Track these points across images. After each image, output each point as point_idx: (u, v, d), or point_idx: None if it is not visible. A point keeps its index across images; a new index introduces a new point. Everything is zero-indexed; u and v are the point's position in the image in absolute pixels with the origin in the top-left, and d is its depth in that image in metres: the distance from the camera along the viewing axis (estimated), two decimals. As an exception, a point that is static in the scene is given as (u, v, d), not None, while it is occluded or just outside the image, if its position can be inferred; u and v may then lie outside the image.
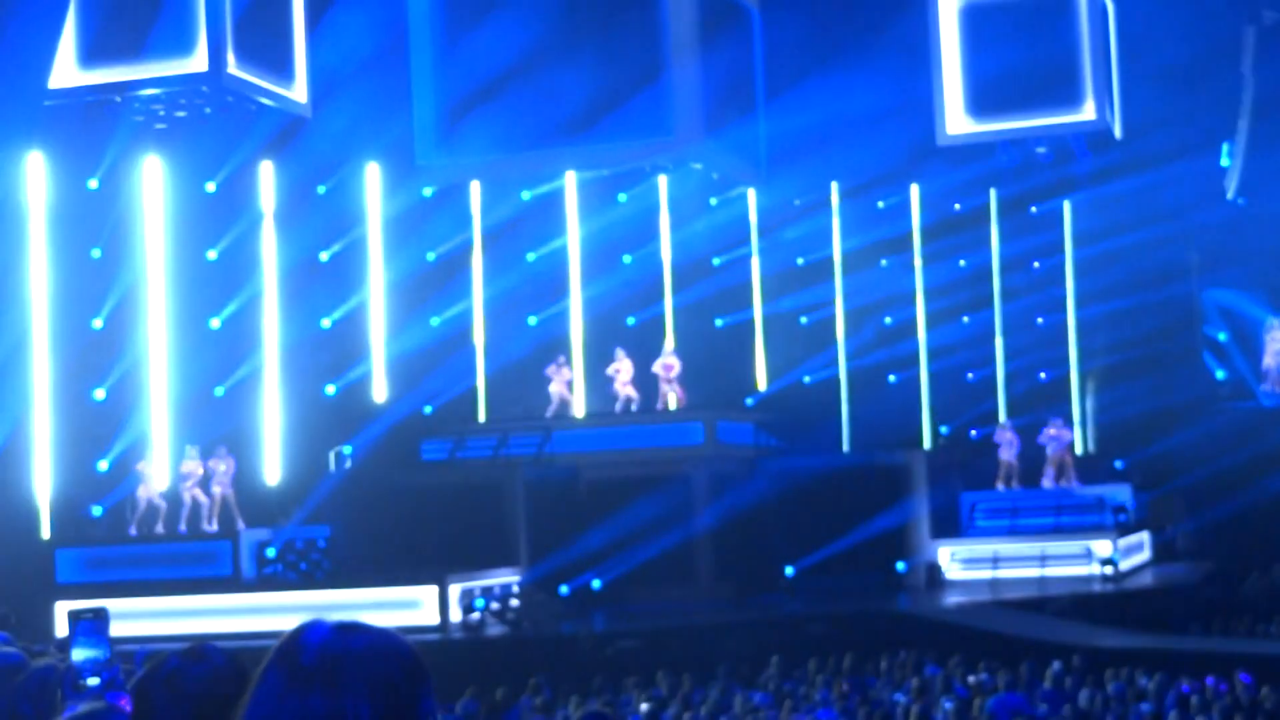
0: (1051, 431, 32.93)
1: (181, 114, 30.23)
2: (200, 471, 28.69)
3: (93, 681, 4.08)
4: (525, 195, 33.42)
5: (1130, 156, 33.98)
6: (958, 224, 35.25)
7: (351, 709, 3.10)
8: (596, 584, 29.80)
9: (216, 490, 28.69)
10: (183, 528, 28.53)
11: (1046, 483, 32.62)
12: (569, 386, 32.79)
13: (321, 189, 32.27)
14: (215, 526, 28.48)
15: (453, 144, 32.98)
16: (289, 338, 31.43)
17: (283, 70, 30.71)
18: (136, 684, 3.90)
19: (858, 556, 30.24)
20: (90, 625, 4.09)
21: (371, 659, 3.15)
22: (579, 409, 32.98)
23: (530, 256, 33.79)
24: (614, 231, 33.81)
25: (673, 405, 32.09)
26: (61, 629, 23.60)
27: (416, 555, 27.77)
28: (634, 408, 32.26)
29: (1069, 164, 35.10)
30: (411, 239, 33.04)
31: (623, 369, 32.40)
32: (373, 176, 32.68)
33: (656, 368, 32.44)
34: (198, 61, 29.21)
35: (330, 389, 31.92)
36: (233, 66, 29.43)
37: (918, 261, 35.39)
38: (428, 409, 33.06)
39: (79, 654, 4.06)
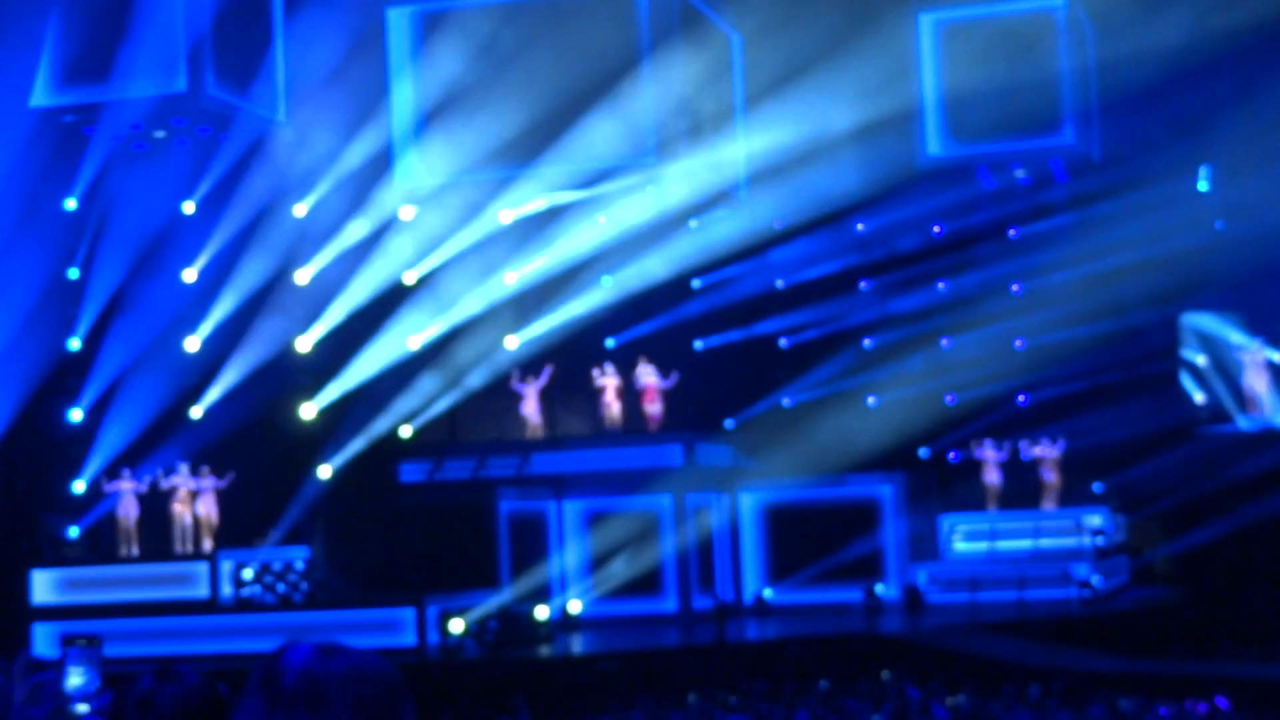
0: (1039, 453, 33.04)
1: (161, 134, 30.17)
2: (190, 489, 28.69)
3: (82, 709, 4.04)
4: (503, 215, 33.33)
5: (1109, 180, 34.02)
6: (937, 247, 35.25)
7: (334, 732, 3.05)
8: (577, 607, 29.75)
9: (202, 509, 28.69)
10: (178, 547, 28.55)
11: (1049, 506, 32.81)
12: (538, 402, 32.72)
13: (298, 208, 32.13)
14: (208, 545, 28.50)
15: (431, 162, 32.90)
16: (266, 358, 31.27)
17: (260, 88, 30.67)
18: (110, 706, 3.85)
19: (836, 579, 30.22)
20: (81, 653, 4.03)
21: (353, 681, 3.14)
22: (546, 428, 32.92)
23: (508, 277, 33.68)
24: (592, 252, 33.72)
25: (658, 423, 32.19)
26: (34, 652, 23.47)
27: (395, 577, 27.67)
28: (617, 423, 32.26)
29: (1048, 187, 35.14)
30: (389, 258, 32.91)
31: (609, 385, 32.42)
32: (348, 193, 32.53)
33: (638, 386, 32.43)
34: (177, 82, 29.19)
35: (308, 410, 31.76)
36: (212, 87, 29.41)
37: (897, 284, 35.37)
38: (406, 430, 32.95)
39: (70, 682, 4.01)
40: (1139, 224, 33.48)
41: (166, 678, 3.81)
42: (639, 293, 33.83)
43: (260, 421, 30.60)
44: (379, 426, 31.52)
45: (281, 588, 27.79)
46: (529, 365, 32.92)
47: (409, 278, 33.05)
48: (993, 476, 33.25)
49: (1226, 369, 34.15)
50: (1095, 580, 30.17)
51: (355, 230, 32.12)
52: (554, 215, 33.26)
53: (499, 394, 33.34)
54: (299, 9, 30.69)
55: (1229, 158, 34.44)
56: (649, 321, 34.12)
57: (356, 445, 31.00)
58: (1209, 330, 34.45)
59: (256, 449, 30.46)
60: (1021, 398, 35.34)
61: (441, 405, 32.98)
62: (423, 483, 31.67)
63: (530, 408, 32.66)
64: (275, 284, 31.27)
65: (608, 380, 32.59)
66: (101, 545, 29.46)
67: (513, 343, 33.66)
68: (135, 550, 28.66)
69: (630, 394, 32.56)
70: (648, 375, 32.44)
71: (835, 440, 32.49)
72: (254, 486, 29.71)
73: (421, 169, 32.91)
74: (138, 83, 28.94)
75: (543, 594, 29.03)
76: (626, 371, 32.67)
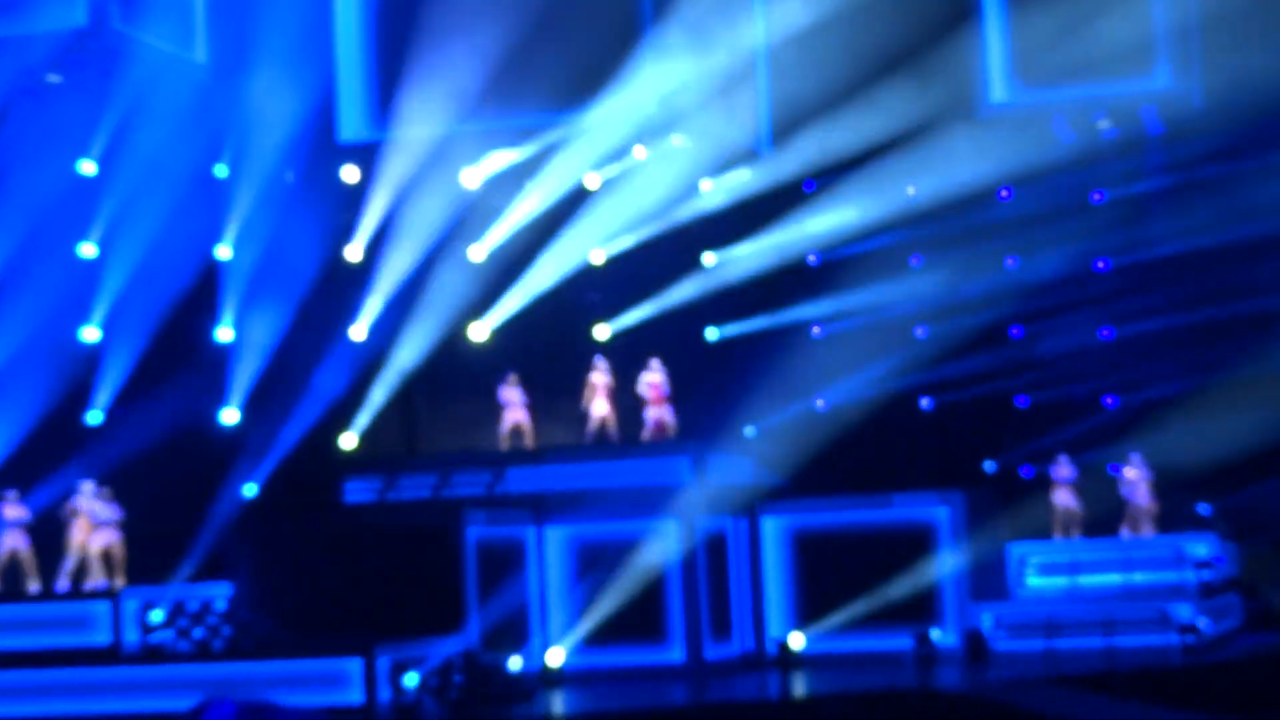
0: (1130, 473, 32.84)
1: (55, 78, 30.09)
2: (94, 512, 28.56)
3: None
4: (469, 179, 33.20)
5: (1214, 134, 33.84)
6: (1004, 215, 35.13)
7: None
8: (561, 657, 29.61)
9: (97, 541, 28.56)
10: (64, 583, 28.19)
11: (1125, 534, 32.66)
12: (526, 411, 32.53)
13: (223, 170, 32.00)
14: (116, 580, 28.37)
15: (383, 117, 32.88)
16: (175, 355, 31.12)
17: (174, 23, 30.58)
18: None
19: (882, 623, 30.12)
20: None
21: (288, 746, 2.58)
22: (534, 438, 32.78)
23: (475, 253, 33.54)
24: (581, 222, 33.57)
25: (667, 432, 32.00)
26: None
27: (338, 619, 27.53)
28: (610, 431, 32.11)
29: (1138, 143, 34.97)
30: (331, 231, 32.80)
31: (599, 384, 32.25)
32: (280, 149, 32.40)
33: (641, 387, 32.22)
34: (75, 15, 29.16)
35: (230, 416, 31.60)
36: (117, 20, 29.34)
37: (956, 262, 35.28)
38: (350, 439, 32.80)
39: None
40: (1251, 188, 33.35)
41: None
42: (639, 270, 33.69)
43: (173, 430, 30.46)
44: (317, 433, 31.37)
45: (199, 633, 27.67)
46: (509, 364, 32.72)
47: (352, 251, 32.93)
48: (1073, 496, 33.09)
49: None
50: (1201, 623, 30.02)
51: (292, 193, 32.02)
52: (529, 175, 33.15)
53: (468, 398, 33.20)
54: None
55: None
56: (651, 305, 33.96)
57: (290, 457, 30.83)
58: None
59: (168, 463, 30.30)
60: (1109, 400, 35.24)
61: (393, 410, 32.87)
62: (373, 503, 31.55)
63: (519, 416, 32.45)
64: (195, 259, 31.16)
65: (598, 379, 32.41)
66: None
67: (481, 332, 33.52)
68: (26, 587, 28.49)
69: (627, 395, 32.38)
70: (654, 374, 32.25)
71: (880, 452, 32.36)
72: (165, 509, 29.53)
73: (371, 125, 32.88)
74: (31, 16, 28.89)
75: (519, 640, 28.84)
76: (622, 368, 32.48)
